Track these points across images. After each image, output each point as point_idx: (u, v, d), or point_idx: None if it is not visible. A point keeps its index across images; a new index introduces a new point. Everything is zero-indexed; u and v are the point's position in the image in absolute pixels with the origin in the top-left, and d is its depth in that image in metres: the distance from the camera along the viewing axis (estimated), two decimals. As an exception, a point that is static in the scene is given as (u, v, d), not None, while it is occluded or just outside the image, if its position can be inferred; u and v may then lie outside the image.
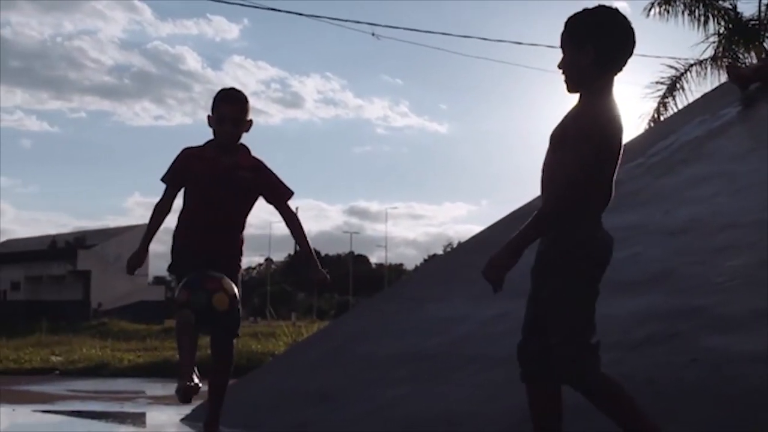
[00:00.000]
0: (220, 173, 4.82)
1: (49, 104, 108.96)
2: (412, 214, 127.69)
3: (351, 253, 79.51)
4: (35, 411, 8.42)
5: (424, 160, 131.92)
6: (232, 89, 4.99)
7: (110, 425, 7.56)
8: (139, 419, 8.05)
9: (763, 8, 20.11)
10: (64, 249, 64.96)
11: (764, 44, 19.52)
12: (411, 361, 6.22)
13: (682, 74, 20.26)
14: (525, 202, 9.58)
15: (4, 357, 16.90)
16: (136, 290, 58.07)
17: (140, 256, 4.91)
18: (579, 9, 3.39)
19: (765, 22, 20.09)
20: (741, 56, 19.78)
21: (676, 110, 18.53)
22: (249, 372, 8.20)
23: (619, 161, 3.31)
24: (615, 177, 3.31)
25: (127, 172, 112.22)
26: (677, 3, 20.24)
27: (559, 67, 3.40)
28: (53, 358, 16.76)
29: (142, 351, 18.29)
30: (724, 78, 17.31)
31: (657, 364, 4.58)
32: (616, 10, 3.37)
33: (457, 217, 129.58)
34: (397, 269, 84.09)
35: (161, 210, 4.97)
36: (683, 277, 5.72)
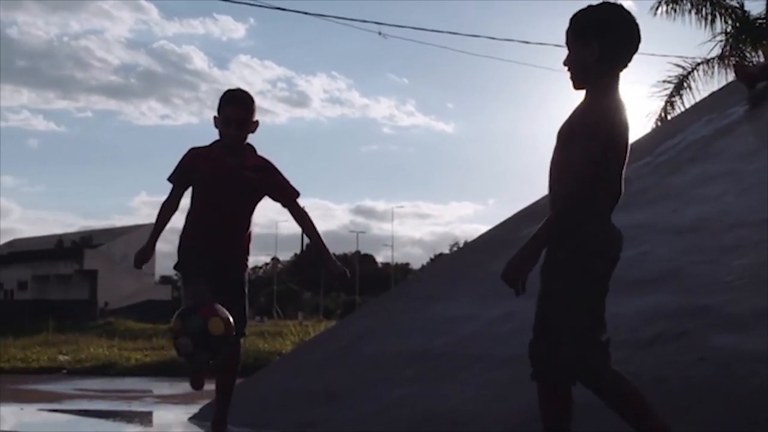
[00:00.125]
0: (226, 174, 4.83)
1: (55, 104, 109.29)
2: (419, 214, 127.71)
3: (357, 252, 79.57)
4: (43, 410, 8.44)
5: (431, 160, 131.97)
6: (238, 90, 4.98)
7: (118, 424, 7.58)
8: (146, 418, 8.06)
9: (770, 7, 20.05)
10: (70, 248, 65.15)
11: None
12: (418, 361, 6.21)
13: (689, 73, 20.21)
14: (532, 201, 9.58)
15: (12, 356, 16.94)
16: (142, 289, 58.22)
17: (147, 251, 4.92)
18: (584, 6, 3.40)
19: (773, 20, 20.03)
20: (748, 55, 19.73)
21: (683, 109, 18.51)
22: (256, 371, 8.21)
23: (627, 158, 3.30)
24: (623, 174, 3.31)
25: (134, 171, 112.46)
26: (684, 2, 20.19)
27: (565, 64, 3.40)
28: (60, 357, 16.79)
29: (149, 350, 18.31)
30: (731, 77, 17.27)
31: (665, 363, 4.58)
32: (621, 6, 3.38)
33: (463, 216, 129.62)
34: (404, 268, 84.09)
35: (168, 208, 4.97)
36: (691, 276, 5.71)
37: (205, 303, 4.50)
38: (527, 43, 47.06)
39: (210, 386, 5.17)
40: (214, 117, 4.89)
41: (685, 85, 20.19)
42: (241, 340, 5.03)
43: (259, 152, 5.03)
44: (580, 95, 3.38)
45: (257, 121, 4.94)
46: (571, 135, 3.26)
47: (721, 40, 20.26)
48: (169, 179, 4.98)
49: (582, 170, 3.14)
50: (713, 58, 20.16)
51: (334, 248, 5.33)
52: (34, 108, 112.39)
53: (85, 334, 27.72)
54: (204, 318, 4.39)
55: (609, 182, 3.26)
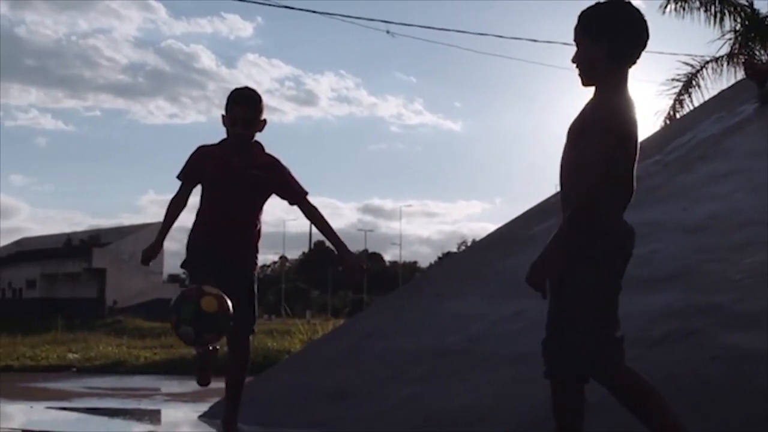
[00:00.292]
0: (233, 172, 4.83)
1: (63, 103, 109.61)
2: (427, 212, 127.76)
3: (365, 251, 79.54)
4: (52, 408, 8.45)
5: (439, 158, 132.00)
6: (246, 89, 4.97)
7: (128, 422, 7.59)
8: (156, 416, 8.07)
9: (780, 4, 19.98)
10: (79, 247, 65.29)
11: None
12: (427, 359, 6.21)
13: (698, 71, 20.15)
14: (540, 199, 9.56)
15: (21, 354, 16.98)
16: (150, 288, 58.29)
17: (155, 248, 4.94)
18: (592, 3, 3.41)
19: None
20: (757, 53, 19.66)
21: (692, 108, 18.46)
22: (265, 369, 8.21)
23: (637, 155, 3.30)
24: (635, 171, 3.30)
25: (142, 170, 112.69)
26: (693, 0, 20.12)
27: (573, 61, 3.41)
28: (70, 356, 16.81)
29: (158, 348, 18.33)
30: (740, 75, 17.24)
31: (676, 361, 4.57)
32: (629, 3, 3.39)
33: (471, 214, 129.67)
34: (411, 267, 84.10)
35: (176, 205, 4.98)
36: (701, 274, 5.70)
37: (191, 288, 4.53)
38: (535, 41, 47.06)
39: (219, 384, 5.18)
40: (222, 115, 4.90)
41: (693, 83, 20.13)
42: (251, 338, 5.03)
43: (267, 150, 5.03)
44: (589, 93, 3.39)
45: (265, 120, 4.94)
46: (583, 131, 3.26)
47: (730, 38, 20.18)
48: (178, 176, 4.99)
49: (600, 166, 3.14)
50: (722, 56, 20.09)
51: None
52: (42, 107, 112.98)
53: (93, 333, 27.77)
54: (194, 301, 4.41)
55: (621, 179, 3.26)
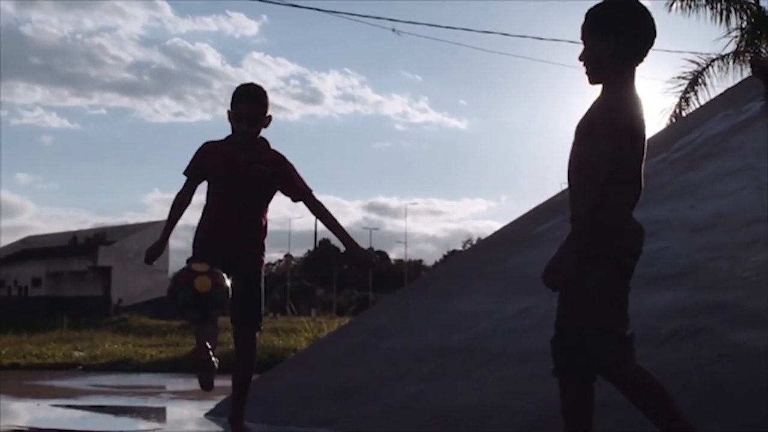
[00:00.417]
0: (239, 168, 4.82)
1: (69, 101, 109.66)
2: (432, 210, 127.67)
3: (370, 249, 79.58)
4: (59, 405, 8.46)
5: (444, 156, 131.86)
6: (251, 86, 4.96)
7: (134, 420, 7.60)
8: (162, 414, 8.08)
9: (786, 2, 19.94)
10: (84, 245, 65.39)
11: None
12: (433, 357, 6.21)
13: (703, 69, 20.04)
14: (545, 197, 9.56)
15: (27, 352, 17.00)
16: (156, 286, 58.27)
17: (159, 246, 4.92)
18: (599, 1, 3.40)
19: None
20: (764, 51, 19.59)
21: (697, 106, 18.41)
22: (271, 367, 8.22)
23: (645, 153, 3.30)
24: (642, 169, 3.29)
25: (147, 168, 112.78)
26: (699, -3, 20.06)
27: (580, 59, 3.41)
28: (76, 354, 16.82)
29: (163, 346, 18.35)
30: (746, 73, 17.17)
31: (683, 359, 4.56)
32: (636, 1, 3.38)
33: (476, 212, 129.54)
34: (417, 265, 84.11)
35: (181, 201, 4.96)
36: (708, 272, 5.69)
37: (182, 272, 4.51)
38: (541, 39, 47.00)
39: (225, 382, 5.18)
40: (228, 112, 4.89)
41: (699, 81, 20.02)
42: (257, 335, 5.02)
43: (273, 147, 5.01)
44: (595, 90, 3.39)
45: (270, 116, 4.92)
46: (590, 130, 3.25)
47: (736, 36, 20.07)
48: (185, 172, 4.98)
49: (610, 164, 3.13)
50: (728, 54, 19.98)
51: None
52: (47, 105, 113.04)
53: (99, 331, 27.76)
54: (188, 285, 4.40)
55: (630, 177, 3.25)
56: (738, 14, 20.13)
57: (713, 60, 20.06)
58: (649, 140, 3.36)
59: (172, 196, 5.01)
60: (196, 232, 5.01)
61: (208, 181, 4.96)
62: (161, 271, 54.80)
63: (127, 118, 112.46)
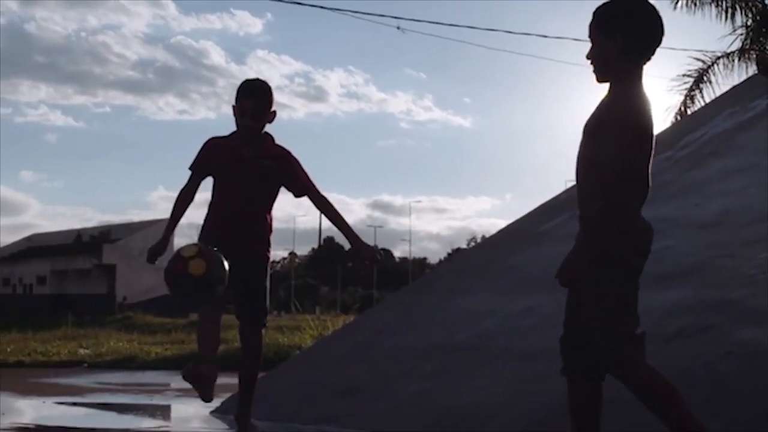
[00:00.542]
0: (243, 163, 4.81)
1: (73, 99, 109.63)
2: (436, 208, 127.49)
3: (375, 246, 79.47)
4: (64, 403, 8.47)
5: (448, 154, 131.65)
6: (256, 81, 4.95)
7: (139, 418, 7.61)
8: (167, 412, 8.09)
9: (792, 0, 19.90)
10: (89, 243, 65.44)
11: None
12: (437, 356, 6.21)
13: (709, 67, 20.03)
14: (549, 195, 9.55)
15: (33, 350, 17.03)
16: (160, 284, 57.69)
17: (162, 244, 4.91)
18: (606, -1, 3.40)
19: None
20: (769, 48, 19.57)
21: (702, 103, 18.39)
22: (277, 365, 8.22)
23: (653, 152, 3.29)
24: (650, 168, 3.29)
25: (151, 166, 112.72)
26: (705, -6, 20.03)
27: (588, 57, 3.40)
28: (81, 351, 16.85)
29: (168, 344, 18.37)
30: (751, 71, 17.14)
31: (689, 356, 4.55)
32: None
33: (480, 210, 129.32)
34: (421, 263, 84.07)
35: (184, 197, 4.95)
36: (714, 270, 5.68)
37: (173, 263, 4.43)
38: (545, 37, 47.09)
39: (230, 380, 5.18)
40: (233, 106, 4.89)
41: (705, 79, 20.02)
42: (262, 332, 5.02)
43: (278, 142, 5.01)
44: (601, 89, 3.38)
45: (275, 111, 4.92)
46: (598, 128, 3.25)
47: (741, 34, 20.06)
48: (190, 167, 4.98)
49: (615, 162, 3.12)
50: (733, 52, 19.97)
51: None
52: (52, 103, 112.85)
53: (103, 329, 27.81)
54: (183, 274, 4.35)
55: (638, 176, 3.24)
56: (743, 12, 20.11)
57: (718, 58, 20.05)
58: (655, 137, 3.36)
59: (176, 194, 5.00)
60: (202, 229, 5.00)
61: (213, 176, 4.96)
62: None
63: (132, 116, 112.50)
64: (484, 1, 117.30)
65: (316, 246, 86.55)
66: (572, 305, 3.28)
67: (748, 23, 20.07)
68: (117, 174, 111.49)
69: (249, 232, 4.89)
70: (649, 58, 3.35)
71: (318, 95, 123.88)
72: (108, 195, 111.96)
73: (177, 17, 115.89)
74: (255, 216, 4.92)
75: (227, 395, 6.83)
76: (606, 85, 3.37)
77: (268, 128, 4.95)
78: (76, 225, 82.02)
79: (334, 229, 5.04)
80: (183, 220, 4.98)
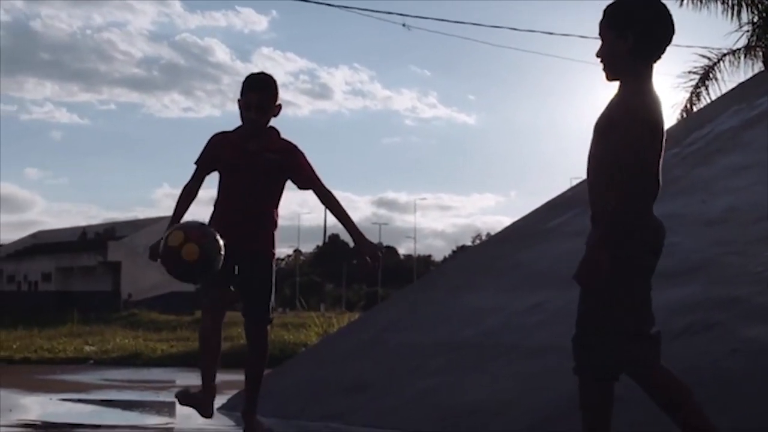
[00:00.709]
0: (248, 157, 4.81)
1: (78, 96, 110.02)
2: (441, 206, 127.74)
3: (379, 243, 79.57)
4: (70, 400, 8.49)
5: (453, 151, 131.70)
6: (260, 75, 4.95)
7: (145, 414, 7.62)
8: (173, 409, 8.08)
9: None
10: (94, 240, 65.49)
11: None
12: (444, 352, 6.20)
13: (715, 64, 20.04)
14: (554, 193, 9.54)
15: (38, 347, 17.07)
16: (165, 281, 58.27)
17: None
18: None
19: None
20: (774, 46, 19.53)
21: (708, 100, 18.37)
22: (282, 362, 8.23)
23: (663, 150, 3.28)
24: (660, 166, 3.28)
25: (156, 163, 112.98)
26: (710, -8, 19.99)
27: (598, 55, 3.39)
28: (87, 348, 16.90)
29: (173, 341, 18.40)
30: (757, 68, 17.14)
31: (696, 354, 4.54)
32: None
33: (485, 208, 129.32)
34: (426, 260, 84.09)
35: (188, 192, 4.93)
36: (721, 267, 5.67)
37: (165, 254, 4.40)
38: (551, 34, 47.11)
39: (236, 377, 5.19)
40: (238, 101, 4.89)
41: (710, 76, 20.03)
42: (268, 329, 5.02)
43: (284, 136, 4.99)
44: (608, 85, 3.38)
45: (280, 105, 4.91)
46: (609, 126, 3.24)
47: (747, 31, 20.06)
48: (196, 162, 4.98)
49: (626, 160, 3.11)
50: (739, 49, 19.97)
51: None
52: (57, 101, 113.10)
53: (109, 326, 27.84)
54: (179, 264, 4.33)
55: (648, 173, 3.23)
56: (749, 9, 20.11)
57: (724, 55, 20.07)
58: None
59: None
60: (209, 224, 4.99)
61: (219, 171, 4.95)
62: (171, 266, 54.76)
63: (137, 114, 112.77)
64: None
65: (321, 243, 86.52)
66: (584, 304, 3.27)
67: (754, 20, 20.06)
68: (122, 171, 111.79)
69: (254, 228, 4.88)
70: (659, 57, 3.34)
71: (323, 92, 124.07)
72: (113, 192, 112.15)
73: (182, 15, 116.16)
74: (260, 212, 4.90)
75: (233, 392, 6.83)
76: (616, 84, 3.36)
77: (274, 123, 4.95)
78: (81, 222, 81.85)
79: (339, 226, 5.02)
80: (187, 216, 4.95)
